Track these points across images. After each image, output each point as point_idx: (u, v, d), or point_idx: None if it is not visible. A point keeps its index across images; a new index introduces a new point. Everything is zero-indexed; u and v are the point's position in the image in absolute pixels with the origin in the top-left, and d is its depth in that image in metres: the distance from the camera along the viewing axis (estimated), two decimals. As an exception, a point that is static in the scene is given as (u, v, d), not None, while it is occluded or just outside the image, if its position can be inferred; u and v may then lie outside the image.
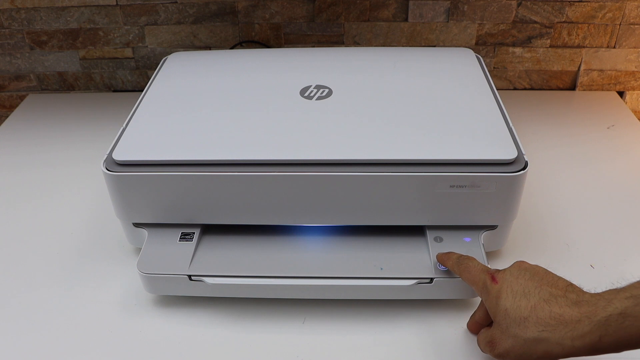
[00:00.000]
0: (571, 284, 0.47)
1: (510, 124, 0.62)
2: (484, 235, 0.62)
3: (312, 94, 0.67)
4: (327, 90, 0.68)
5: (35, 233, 0.74)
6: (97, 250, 0.71)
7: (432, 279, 0.58)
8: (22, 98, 1.10)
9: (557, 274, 0.49)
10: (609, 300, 0.42)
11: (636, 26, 0.95)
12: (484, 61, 0.82)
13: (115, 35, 1.02)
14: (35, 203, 0.79)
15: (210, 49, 1.03)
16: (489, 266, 0.54)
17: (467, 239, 0.61)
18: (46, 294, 0.65)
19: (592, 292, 0.45)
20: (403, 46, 1.00)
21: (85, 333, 0.60)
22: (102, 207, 0.77)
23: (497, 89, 0.69)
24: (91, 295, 0.64)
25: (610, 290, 0.43)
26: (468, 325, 0.58)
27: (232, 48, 1.02)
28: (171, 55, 0.81)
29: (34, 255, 0.70)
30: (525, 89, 1.05)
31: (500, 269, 0.52)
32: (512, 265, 0.51)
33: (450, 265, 0.56)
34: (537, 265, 0.50)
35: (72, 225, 0.75)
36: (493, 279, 0.50)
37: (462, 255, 0.56)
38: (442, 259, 0.58)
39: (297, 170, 0.57)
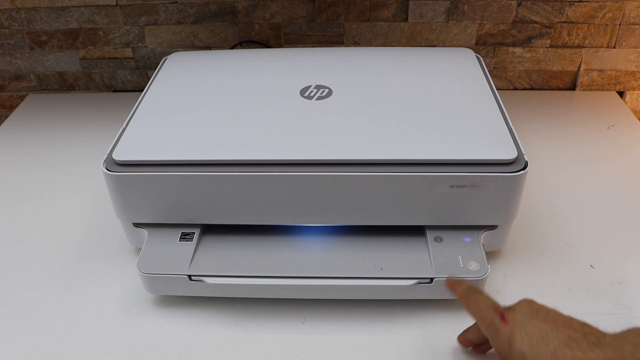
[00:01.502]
0: (586, 324, 0.45)
1: (510, 124, 0.62)
2: (484, 235, 0.62)
3: (312, 94, 0.67)
4: (327, 90, 0.68)
5: (35, 233, 0.74)
6: (97, 250, 0.71)
7: (432, 279, 0.58)
8: (22, 98, 1.10)
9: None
10: (636, 346, 0.40)
11: (636, 26, 0.95)
12: (484, 61, 0.82)
13: (115, 35, 1.02)
14: (35, 203, 0.79)
15: (210, 49, 1.03)
16: (497, 302, 0.51)
17: (467, 239, 0.61)
18: (46, 294, 0.65)
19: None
20: (403, 46, 1.00)
21: (85, 333, 0.60)
22: (102, 207, 0.77)
23: (497, 89, 0.69)
24: (91, 295, 0.64)
25: (631, 331, 0.41)
26: (459, 338, 0.56)
27: (232, 48, 1.02)
28: (171, 55, 0.81)
29: (34, 255, 0.70)
30: (525, 89, 1.05)
31: (507, 305, 0.49)
32: (521, 303, 0.48)
33: (459, 294, 0.53)
34: (545, 305, 0.48)
35: (72, 225, 0.75)
36: (503, 318, 0.47)
37: (472, 286, 0.53)
38: (452, 284, 0.55)
39: (297, 170, 0.57)
